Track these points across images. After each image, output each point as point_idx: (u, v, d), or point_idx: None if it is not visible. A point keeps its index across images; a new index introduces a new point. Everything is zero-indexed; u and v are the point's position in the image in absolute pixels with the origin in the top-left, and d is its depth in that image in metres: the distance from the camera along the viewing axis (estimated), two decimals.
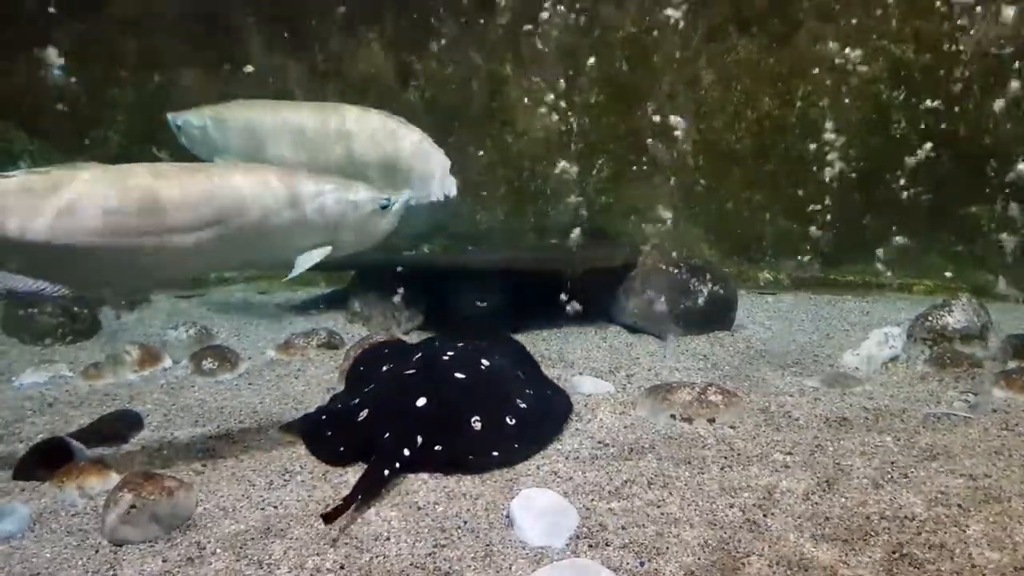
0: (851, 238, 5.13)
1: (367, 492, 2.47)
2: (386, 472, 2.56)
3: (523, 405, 2.94)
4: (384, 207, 3.20)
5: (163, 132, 5.24)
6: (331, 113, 4.12)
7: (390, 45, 5.30)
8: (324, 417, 3.07)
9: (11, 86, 5.10)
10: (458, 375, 2.99)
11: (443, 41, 5.27)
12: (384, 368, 3.27)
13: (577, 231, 4.49)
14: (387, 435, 2.71)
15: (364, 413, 2.89)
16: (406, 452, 2.64)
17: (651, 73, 5.16)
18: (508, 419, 2.84)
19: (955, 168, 4.95)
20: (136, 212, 2.60)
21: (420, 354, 3.23)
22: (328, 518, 2.31)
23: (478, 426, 2.77)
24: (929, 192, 4.93)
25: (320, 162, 3.97)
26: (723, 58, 5.18)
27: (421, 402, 2.81)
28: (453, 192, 4.03)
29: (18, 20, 4.97)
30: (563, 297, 4.19)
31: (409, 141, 4.07)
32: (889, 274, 5.07)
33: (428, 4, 5.24)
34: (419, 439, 2.69)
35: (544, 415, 3.03)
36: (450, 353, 3.17)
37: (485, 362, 3.13)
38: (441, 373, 3.02)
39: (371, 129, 4.08)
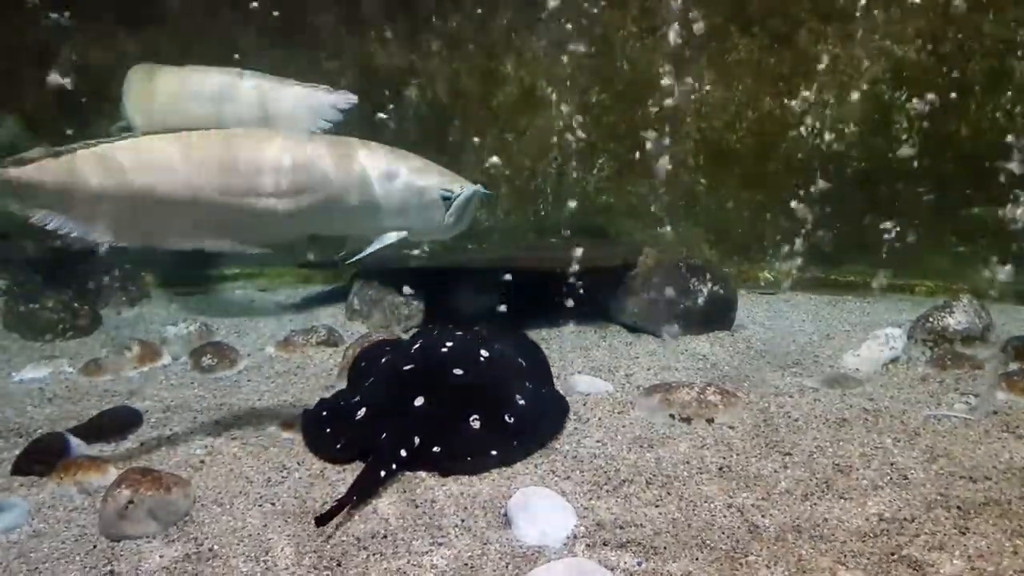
0: (852, 238, 5.12)
1: (362, 494, 2.46)
2: (382, 473, 2.55)
3: (522, 402, 2.94)
4: (445, 199, 2.99)
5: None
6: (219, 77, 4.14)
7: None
8: (324, 414, 3.07)
9: (13, 82, 5.11)
10: (457, 371, 2.97)
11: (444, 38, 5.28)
12: (384, 360, 3.25)
13: (574, 230, 4.48)
14: (384, 435, 2.71)
15: (363, 411, 2.88)
16: (403, 453, 2.63)
17: (652, 72, 5.15)
18: (507, 417, 2.83)
19: (957, 168, 4.94)
20: (217, 172, 2.68)
21: (418, 344, 3.21)
22: (321, 520, 2.30)
23: (476, 425, 2.76)
24: (930, 192, 4.93)
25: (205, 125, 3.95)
26: (723, 57, 5.18)
27: (419, 402, 2.80)
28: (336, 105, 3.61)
29: (19, 17, 4.98)
30: (563, 296, 4.18)
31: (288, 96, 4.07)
32: (884, 280, 5.07)
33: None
34: (416, 440, 2.68)
35: (544, 412, 3.02)
36: (449, 344, 3.16)
37: (485, 353, 3.11)
38: (440, 370, 3.00)
39: (249, 90, 4.07)
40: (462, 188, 3.00)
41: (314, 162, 2.78)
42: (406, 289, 4.44)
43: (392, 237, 2.97)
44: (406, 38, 5.28)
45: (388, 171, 2.90)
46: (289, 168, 2.74)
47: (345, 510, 2.36)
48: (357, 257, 3.02)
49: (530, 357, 3.48)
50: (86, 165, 2.59)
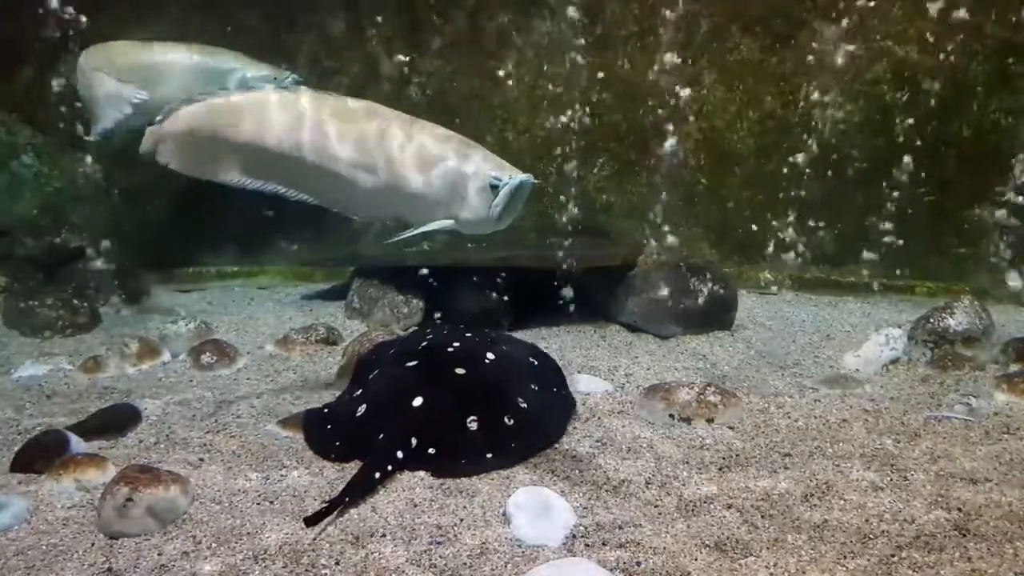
0: (852, 238, 5.11)
1: (355, 496, 2.44)
2: (377, 475, 2.53)
3: (525, 405, 2.87)
4: (494, 187, 2.83)
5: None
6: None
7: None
8: (325, 411, 3.06)
9: (16, 80, 5.10)
10: (459, 371, 2.93)
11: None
12: (390, 355, 3.23)
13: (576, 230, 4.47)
14: (381, 435, 2.69)
15: (362, 409, 2.87)
16: (399, 454, 2.62)
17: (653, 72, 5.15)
18: (507, 419, 2.78)
19: (958, 169, 4.93)
20: (312, 137, 2.84)
21: (425, 343, 3.18)
22: (311, 520, 2.29)
23: (474, 426, 2.72)
24: (931, 193, 4.92)
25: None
26: (725, 57, 5.17)
27: (417, 402, 2.78)
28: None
29: (22, 15, 4.97)
30: (563, 295, 4.18)
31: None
32: (884, 280, 5.07)
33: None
34: (414, 441, 2.66)
35: (548, 416, 2.95)
36: (456, 344, 3.11)
37: (491, 356, 3.06)
38: (442, 370, 2.96)
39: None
40: (511, 177, 2.84)
41: (372, 138, 2.81)
42: (406, 288, 4.44)
43: (438, 224, 2.86)
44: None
45: (435, 155, 2.82)
46: (354, 140, 2.82)
47: (336, 511, 2.34)
48: (397, 239, 2.94)
49: (543, 362, 3.37)
50: (231, 113, 2.89)
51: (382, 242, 3.24)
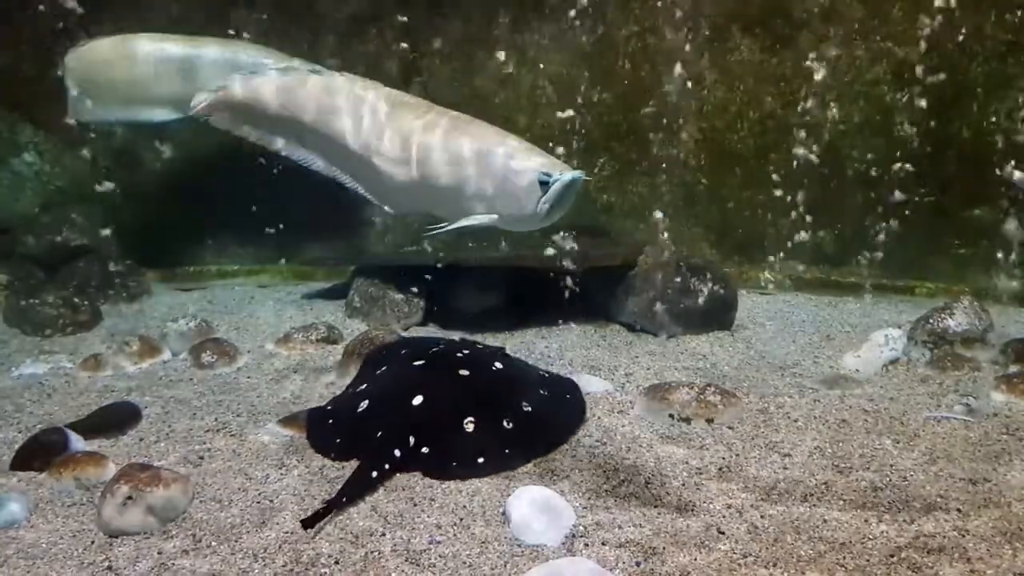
0: (852, 239, 5.11)
1: (352, 496, 2.43)
2: (374, 474, 2.53)
3: (528, 408, 2.84)
4: (543, 183, 2.71)
5: (166, 126, 5.26)
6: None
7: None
8: (328, 408, 3.06)
9: (18, 78, 5.10)
10: (463, 372, 2.92)
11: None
12: (404, 352, 3.23)
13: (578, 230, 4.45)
14: (379, 434, 2.69)
15: (364, 406, 2.87)
16: (397, 452, 2.61)
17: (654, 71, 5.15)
18: (506, 423, 2.75)
19: (958, 170, 4.93)
20: (364, 125, 2.94)
21: (437, 348, 3.17)
22: (308, 522, 2.28)
23: (470, 427, 2.69)
24: (932, 194, 4.92)
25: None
26: (726, 58, 5.17)
27: (417, 400, 2.79)
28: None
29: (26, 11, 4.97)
30: (563, 295, 4.17)
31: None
32: (884, 281, 5.07)
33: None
34: (411, 439, 2.65)
35: (551, 422, 2.90)
36: (466, 352, 3.09)
37: (498, 365, 3.02)
38: (445, 371, 2.95)
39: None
40: (561, 173, 2.73)
41: (415, 133, 2.82)
42: (406, 287, 4.44)
43: (479, 219, 2.79)
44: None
45: (482, 150, 2.74)
46: (396, 134, 2.86)
47: (333, 512, 2.34)
48: (436, 231, 2.88)
49: (555, 378, 3.32)
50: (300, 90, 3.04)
51: (423, 234, 3.23)
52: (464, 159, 2.78)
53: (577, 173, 2.77)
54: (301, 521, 2.30)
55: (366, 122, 2.95)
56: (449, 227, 2.84)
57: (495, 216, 2.80)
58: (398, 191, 2.96)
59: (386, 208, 3.25)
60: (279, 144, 3.32)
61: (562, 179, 2.73)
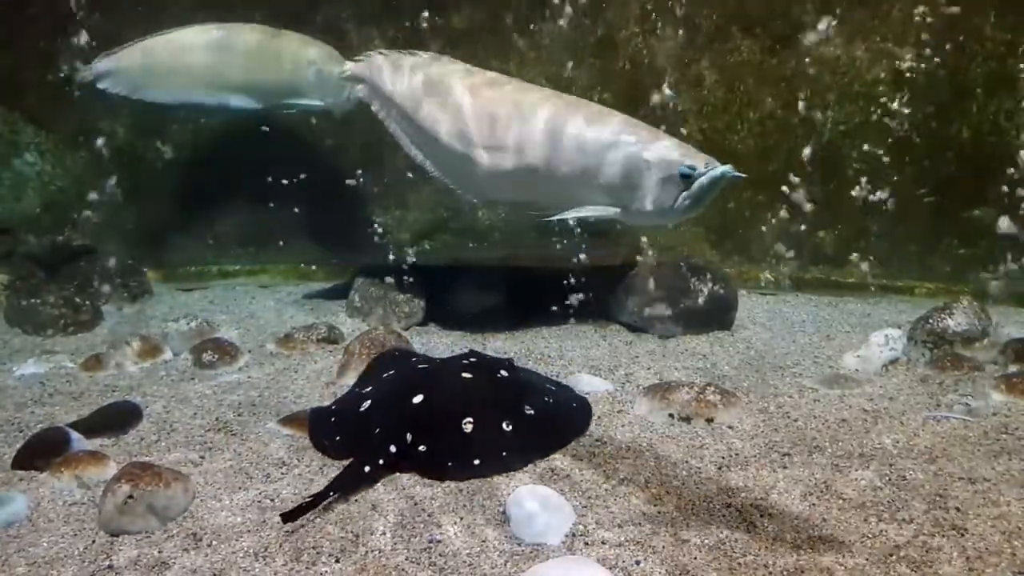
0: (852, 239, 5.12)
1: (341, 490, 2.43)
2: (366, 469, 2.52)
3: (531, 412, 2.83)
4: (685, 176, 2.40)
5: (167, 127, 5.27)
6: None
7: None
8: (332, 407, 3.07)
9: (20, 78, 5.11)
10: (465, 375, 2.92)
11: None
12: (413, 359, 3.25)
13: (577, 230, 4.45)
14: (377, 431, 2.70)
15: (366, 405, 2.88)
16: (393, 449, 2.61)
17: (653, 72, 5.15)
18: (504, 425, 2.74)
19: (958, 170, 4.94)
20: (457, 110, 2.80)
21: (444, 358, 3.18)
22: (288, 516, 2.28)
23: (468, 428, 2.68)
24: (932, 194, 4.92)
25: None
26: (726, 58, 5.18)
27: (417, 399, 2.79)
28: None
29: (27, 12, 4.98)
30: (563, 295, 4.18)
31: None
32: (884, 281, 5.07)
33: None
34: (408, 436, 2.65)
35: (553, 427, 2.88)
36: (473, 359, 3.07)
37: (504, 373, 3.01)
38: (449, 371, 2.96)
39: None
40: (706, 166, 2.42)
41: (518, 118, 2.62)
42: (407, 286, 4.44)
43: (598, 211, 2.55)
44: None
45: (612, 140, 2.50)
46: (499, 120, 2.67)
47: (320, 505, 2.34)
48: (555, 217, 2.63)
49: (562, 388, 3.31)
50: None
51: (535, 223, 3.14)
52: (591, 148, 2.52)
53: (727, 167, 2.42)
54: (281, 515, 2.30)
55: (465, 106, 2.79)
56: (565, 215, 2.59)
57: (617, 210, 2.53)
58: (496, 179, 2.72)
59: (472, 198, 3.05)
60: (399, 131, 3.12)
61: (710, 174, 2.38)
